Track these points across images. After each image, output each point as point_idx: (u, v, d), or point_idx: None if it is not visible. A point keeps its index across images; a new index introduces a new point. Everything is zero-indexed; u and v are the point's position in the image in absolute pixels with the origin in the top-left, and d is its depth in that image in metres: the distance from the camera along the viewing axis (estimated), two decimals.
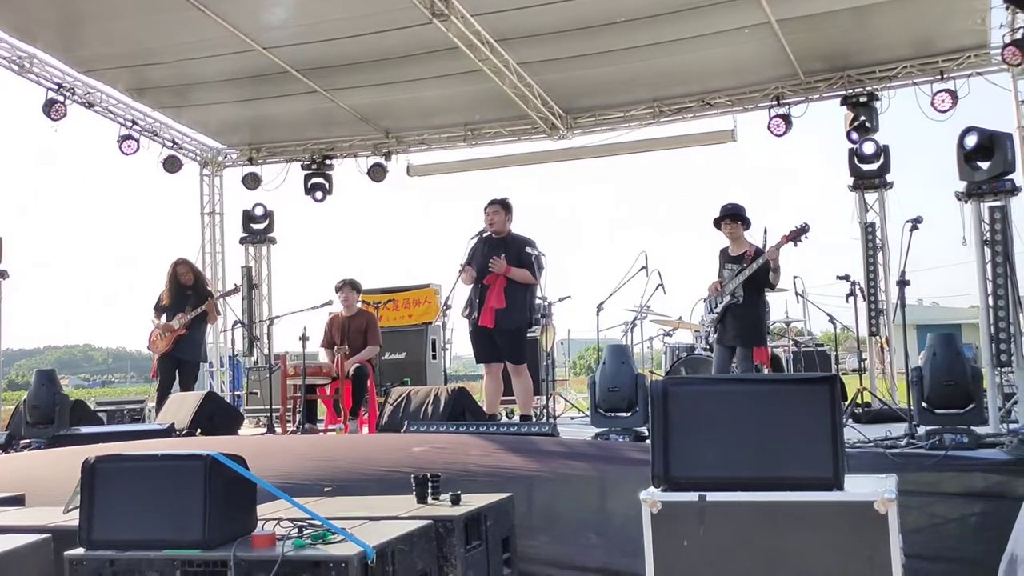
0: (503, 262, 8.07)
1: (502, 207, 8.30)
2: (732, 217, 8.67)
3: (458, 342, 10.54)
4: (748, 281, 8.48)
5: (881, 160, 12.03)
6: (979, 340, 8.26)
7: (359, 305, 10.30)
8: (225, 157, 14.97)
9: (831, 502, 3.64)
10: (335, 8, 10.06)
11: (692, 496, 3.74)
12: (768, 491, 3.70)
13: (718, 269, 8.77)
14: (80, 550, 3.78)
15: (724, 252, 8.79)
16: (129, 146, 13.05)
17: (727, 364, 8.66)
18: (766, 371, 9.26)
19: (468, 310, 8.31)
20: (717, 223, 8.76)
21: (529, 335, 8.73)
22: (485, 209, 8.33)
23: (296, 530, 3.84)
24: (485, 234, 8.31)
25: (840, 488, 3.68)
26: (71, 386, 52.24)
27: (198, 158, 14.71)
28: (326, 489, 5.72)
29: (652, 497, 3.77)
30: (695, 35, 10.67)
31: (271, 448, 7.63)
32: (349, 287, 10.07)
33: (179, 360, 10.29)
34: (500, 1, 9.97)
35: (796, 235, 8.38)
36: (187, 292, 10.40)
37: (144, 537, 3.74)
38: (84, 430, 8.21)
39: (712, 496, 3.72)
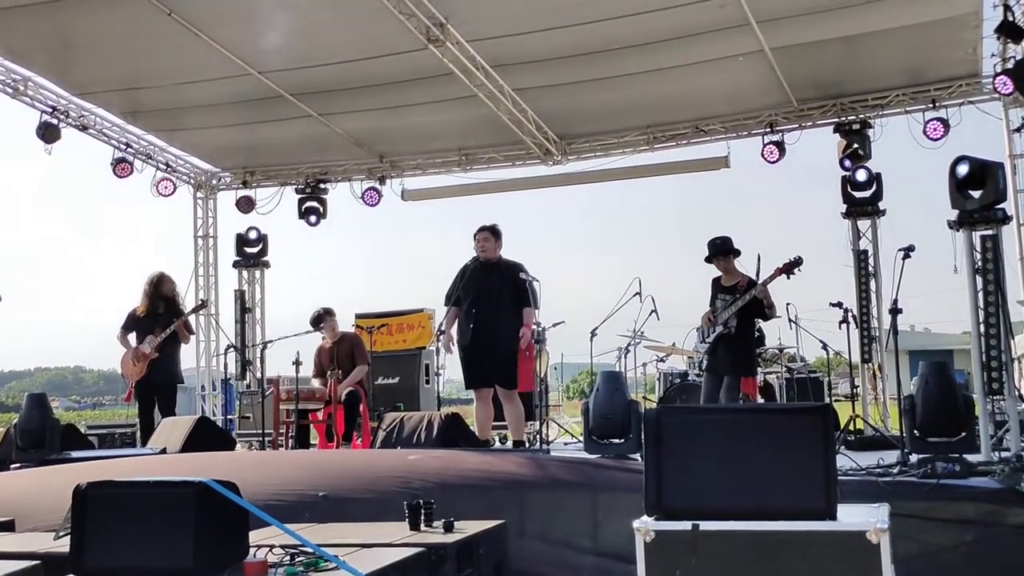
0: (527, 336, 8.13)
1: (491, 233, 8.32)
2: (724, 252, 8.72)
3: (451, 367, 10.52)
4: (741, 312, 8.52)
5: (873, 188, 12.09)
6: (971, 366, 8.26)
7: (341, 330, 10.26)
8: (219, 180, 14.96)
9: (824, 532, 3.64)
10: (330, 33, 10.11)
11: (685, 525, 3.73)
12: (761, 520, 3.70)
13: (711, 299, 8.81)
14: None
15: (717, 283, 8.83)
16: (123, 169, 13.01)
17: (716, 393, 8.69)
18: (755, 401, 9.29)
19: (461, 337, 8.31)
20: (709, 260, 8.82)
21: None
22: (475, 236, 8.35)
23: (288, 557, 3.83)
24: (477, 261, 8.34)
25: (833, 518, 3.68)
26: (61, 408, 51.98)
27: (192, 181, 14.70)
28: (321, 495, 5.71)
29: (645, 526, 3.77)
30: (689, 63, 10.74)
31: (267, 459, 7.66)
32: (328, 316, 10.02)
33: (155, 385, 10.06)
34: (496, 27, 10.03)
35: (789, 268, 8.45)
36: (159, 311, 10.13)
37: (135, 564, 3.72)
38: (75, 455, 8.17)
39: (705, 525, 3.72)
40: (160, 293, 10.20)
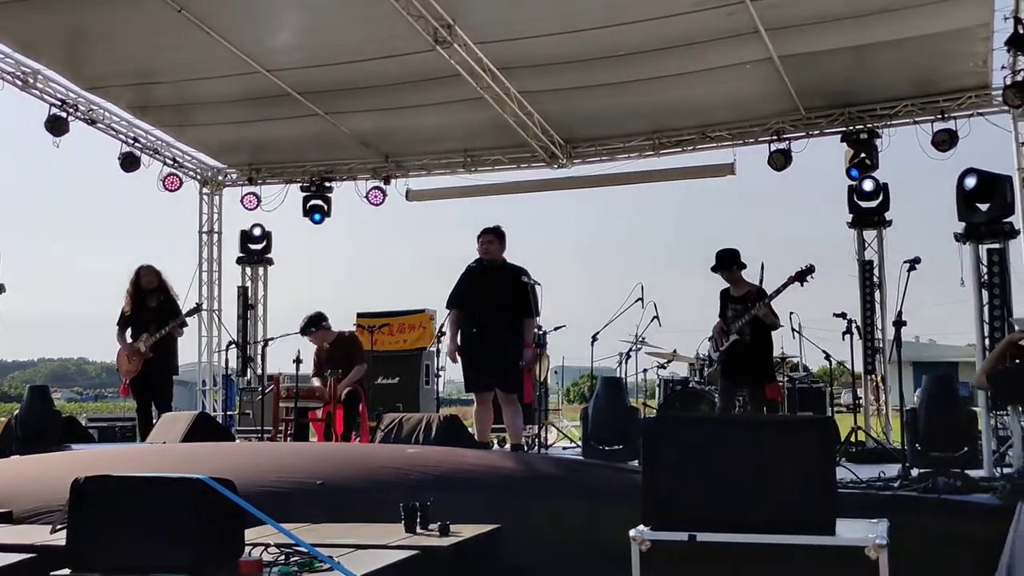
0: (529, 357, 8.11)
1: (495, 235, 8.26)
2: (727, 266, 8.71)
3: (451, 368, 10.51)
4: (754, 321, 8.52)
5: (880, 198, 12.05)
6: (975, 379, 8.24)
7: (337, 330, 10.10)
8: (225, 177, 14.97)
9: (822, 546, 3.62)
10: (339, 33, 10.10)
11: (682, 535, 3.71)
12: (758, 532, 3.68)
13: (720, 310, 8.78)
14: (66, 571, 3.75)
15: (726, 293, 8.82)
16: (130, 163, 13.04)
17: (733, 401, 8.69)
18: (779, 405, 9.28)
19: (462, 339, 8.28)
20: (715, 271, 8.81)
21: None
22: (479, 238, 8.29)
23: (283, 557, 3.81)
24: (480, 263, 8.30)
25: (831, 532, 3.66)
26: (63, 399, 52.09)
27: (198, 177, 14.70)
28: (319, 482, 5.69)
29: (641, 535, 3.75)
30: (697, 69, 10.72)
31: (266, 449, 7.65)
32: (315, 326, 9.75)
33: (149, 379, 10.01)
34: (503, 30, 10.02)
35: (802, 276, 8.47)
36: (149, 304, 10.04)
37: (131, 560, 3.71)
38: (75, 448, 8.20)
39: (702, 536, 3.70)
40: (140, 288, 10.06)
